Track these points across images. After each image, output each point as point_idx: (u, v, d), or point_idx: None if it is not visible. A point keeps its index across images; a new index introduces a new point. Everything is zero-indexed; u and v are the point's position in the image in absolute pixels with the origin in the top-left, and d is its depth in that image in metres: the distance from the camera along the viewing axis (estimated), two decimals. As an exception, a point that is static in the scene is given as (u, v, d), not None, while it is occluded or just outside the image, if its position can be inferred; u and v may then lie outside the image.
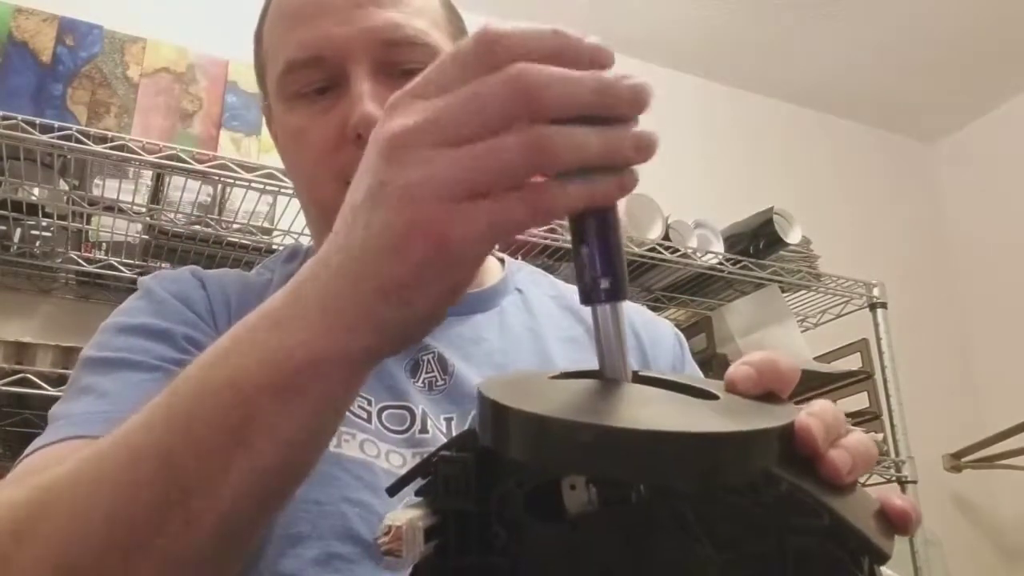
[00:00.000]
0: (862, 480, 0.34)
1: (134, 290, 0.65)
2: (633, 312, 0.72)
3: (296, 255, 0.71)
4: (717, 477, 0.29)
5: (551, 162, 0.31)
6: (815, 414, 0.32)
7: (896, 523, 0.32)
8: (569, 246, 1.54)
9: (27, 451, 0.51)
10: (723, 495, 0.30)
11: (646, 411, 0.30)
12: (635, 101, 0.32)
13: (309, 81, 0.62)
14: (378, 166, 0.33)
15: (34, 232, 1.34)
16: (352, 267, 0.34)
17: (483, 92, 0.31)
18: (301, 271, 0.37)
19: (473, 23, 0.77)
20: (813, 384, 1.64)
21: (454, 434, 0.46)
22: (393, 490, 0.35)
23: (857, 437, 0.33)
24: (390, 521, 0.32)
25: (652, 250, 1.55)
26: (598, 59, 0.32)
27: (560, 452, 0.29)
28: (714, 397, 0.33)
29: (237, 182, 1.30)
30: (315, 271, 0.36)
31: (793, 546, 0.30)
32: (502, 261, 0.76)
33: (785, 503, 0.30)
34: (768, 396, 0.34)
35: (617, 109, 0.32)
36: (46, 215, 1.32)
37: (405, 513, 0.32)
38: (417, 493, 0.34)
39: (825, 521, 0.29)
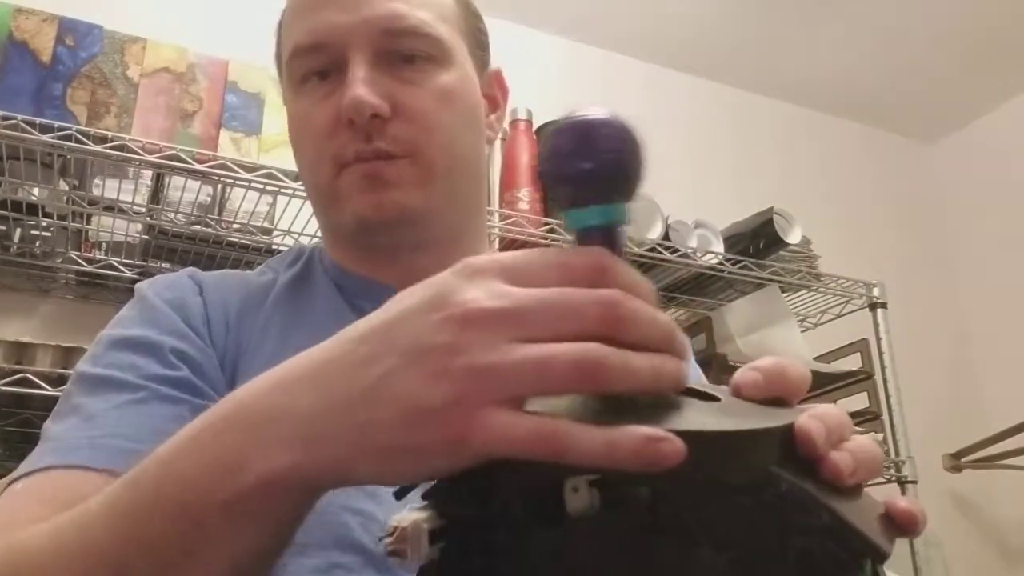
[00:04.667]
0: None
1: (134, 290, 0.65)
2: None
3: (301, 256, 0.71)
4: (717, 475, 0.29)
5: (597, 387, 0.29)
6: (817, 416, 0.32)
7: (901, 524, 0.32)
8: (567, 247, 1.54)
9: (17, 472, 0.52)
10: (724, 494, 0.30)
11: (646, 412, 0.30)
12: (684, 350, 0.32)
13: (312, 67, 0.64)
14: (439, 329, 0.30)
15: (34, 232, 1.34)
16: (342, 401, 0.31)
17: (574, 303, 0.30)
18: (279, 375, 0.35)
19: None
20: (813, 384, 1.64)
21: None
22: (400, 494, 0.35)
23: (861, 441, 0.33)
24: (395, 522, 0.32)
25: (652, 250, 1.54)
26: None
27: None
28: (716, 400, 0.33)
29: (237, 182, 1.30)
30: (294, 375, 0.34)
31: (794, 546, 0.30)
32: None
33: (785, 502, 0.30)
34: (775, 402, 0.34)
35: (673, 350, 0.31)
36: (46, 215, 1.32)
37: (410, 515, 0.32)
38: (423, 497, 0.34)
39: (825, 520, 0.29)
